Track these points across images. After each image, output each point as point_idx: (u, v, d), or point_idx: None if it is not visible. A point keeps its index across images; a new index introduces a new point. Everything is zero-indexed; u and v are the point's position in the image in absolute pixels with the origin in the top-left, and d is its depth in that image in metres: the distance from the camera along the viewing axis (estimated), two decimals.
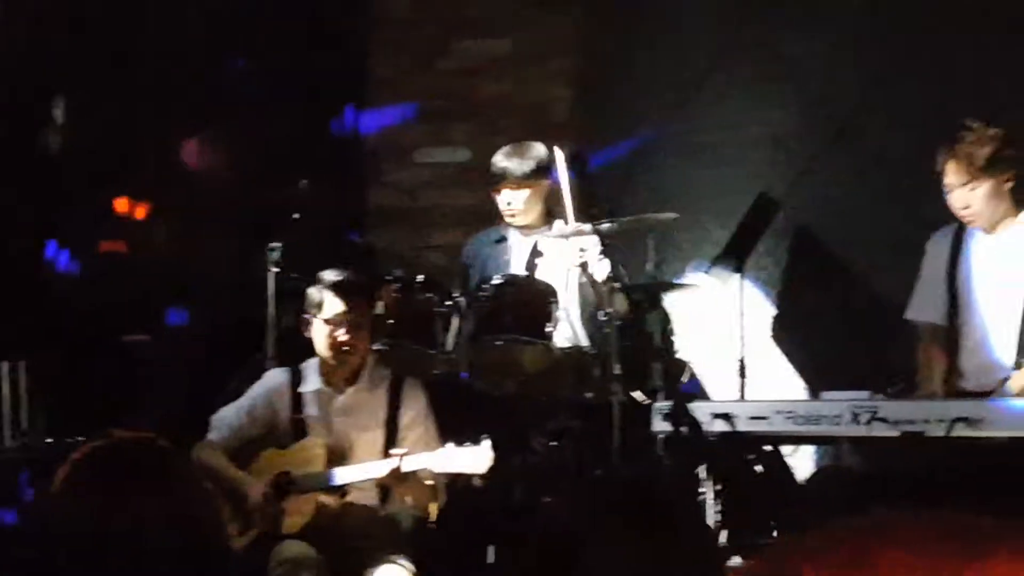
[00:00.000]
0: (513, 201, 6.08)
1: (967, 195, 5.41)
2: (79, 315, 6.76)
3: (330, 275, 5.27)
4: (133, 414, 6.23)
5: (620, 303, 5.63)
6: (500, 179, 6.08)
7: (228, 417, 5.26)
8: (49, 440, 5.95)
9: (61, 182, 6.91)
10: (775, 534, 5.26)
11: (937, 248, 5.62)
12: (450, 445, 4.96)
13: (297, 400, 5.27)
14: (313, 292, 5.26)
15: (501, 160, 6.09)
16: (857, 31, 6.56)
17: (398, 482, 5.02)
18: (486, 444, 4.89)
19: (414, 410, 5.26)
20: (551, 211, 6.16)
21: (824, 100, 6.58)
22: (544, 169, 6.09)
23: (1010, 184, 5.44)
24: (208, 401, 5.46)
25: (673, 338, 6.05)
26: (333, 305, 5.21)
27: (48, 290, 6.84)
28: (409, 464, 4.95)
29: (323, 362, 5.28)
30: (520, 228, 6.15)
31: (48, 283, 6.85)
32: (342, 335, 5.21)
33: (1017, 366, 5.36)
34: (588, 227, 5.63)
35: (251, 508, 5.08)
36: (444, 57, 7.18)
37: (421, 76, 7.20)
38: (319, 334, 5.24)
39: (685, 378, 5.94)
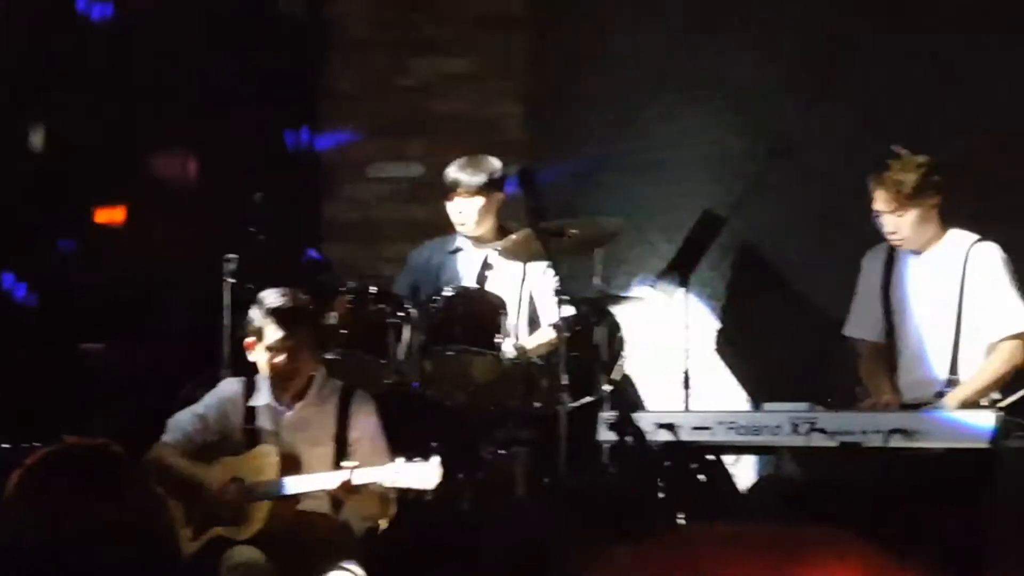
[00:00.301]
0: (464, 210, 6.15)
1: (895, 221, 5.53)
2: (32, 321, 6.77)
3: (270, 300, 5.22)
4: (87, 420, 6.26)
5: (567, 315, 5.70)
6: (452, 188, 6.16)
7: (183, 421, 5.28)
8: (4, 446, 5.96)
9: (15, 191, 6.92)
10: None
11: (871, 265, 5.74)
12: (400, 460, 4.97)
13: (249, 412, 5.29)
14: (255, 317, 5.23)
15: (454, 171, 6.17)
16: (802, 51, 6.66)
17: (349, 494, 5.04)
18: (435, 460, 4.90)
19: (364, 424, 5.27)
20: (503, 225, 6.24)
21: (769, 118, 6.67)
22: (496, 182, 6.17)
23: (936, 207, 5.56)
24: (163, 409, 5.48)
25: (623, 350, 6.12)
26: (272, 333, 5.19)
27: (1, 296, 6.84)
28: (359, 477, 4.96)
29: (271, 379, 5.29)
30: (472, 239, 6.23)
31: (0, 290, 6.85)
32: (283, 362, 5.20)
33: (950, 382, 5.49)
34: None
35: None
36: (400, 75, 7.25)
37: (377, 93, 7.27)
38: (260, 359, 5.24)
39: (617, 375, 5.95)
